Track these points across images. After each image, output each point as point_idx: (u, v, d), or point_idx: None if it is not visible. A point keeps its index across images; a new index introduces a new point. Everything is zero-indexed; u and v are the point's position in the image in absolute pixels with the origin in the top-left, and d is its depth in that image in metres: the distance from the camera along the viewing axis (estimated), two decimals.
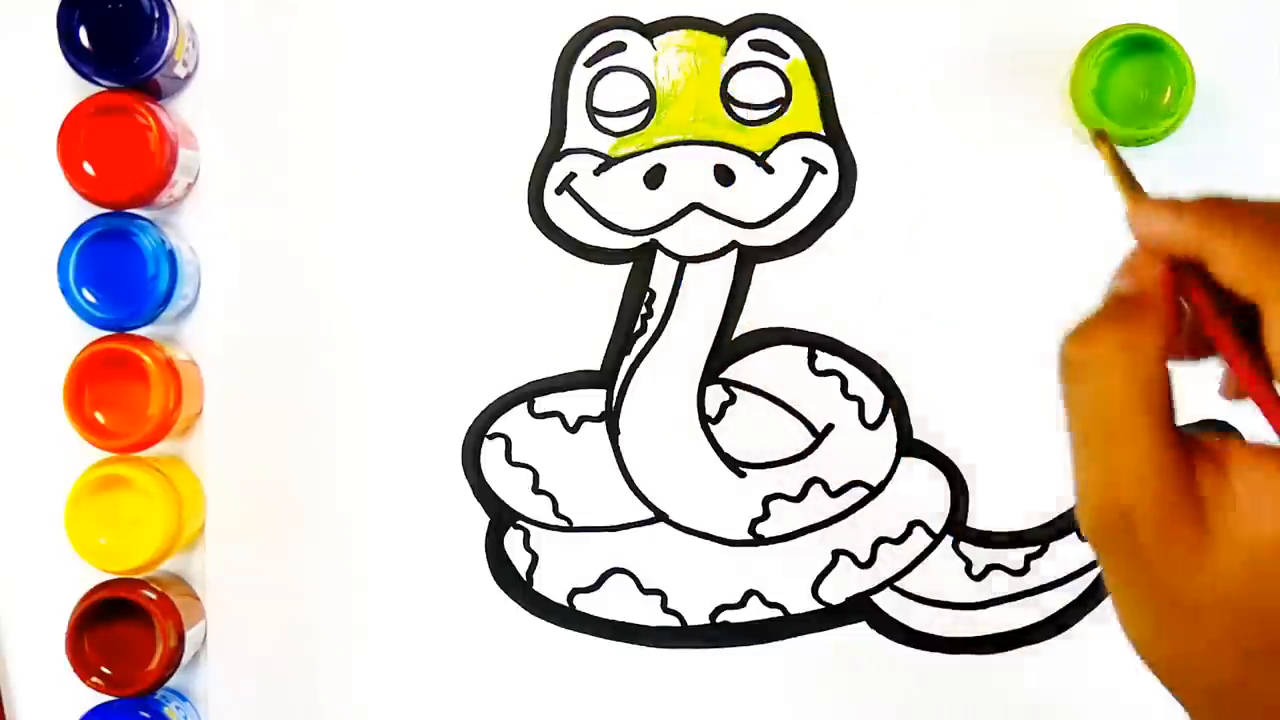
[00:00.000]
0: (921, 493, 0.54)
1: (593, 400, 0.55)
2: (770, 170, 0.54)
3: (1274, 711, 0.38)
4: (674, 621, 0.55)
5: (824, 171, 0.54)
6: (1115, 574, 0.39)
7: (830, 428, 0.54)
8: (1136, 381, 0.38)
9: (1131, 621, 0.40)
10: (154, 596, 0.52)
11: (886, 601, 0.54)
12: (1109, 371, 0.38)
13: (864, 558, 0.54)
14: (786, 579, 0.54)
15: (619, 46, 0.54)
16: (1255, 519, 0.36)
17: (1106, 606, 0.54)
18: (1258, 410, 0.37)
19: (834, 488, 0.54)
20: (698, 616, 0.55)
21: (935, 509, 0.54)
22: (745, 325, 0.54)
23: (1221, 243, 0.38)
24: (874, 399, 0.54)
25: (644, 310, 0.54)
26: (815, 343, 0.54)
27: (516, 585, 0.55)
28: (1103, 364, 0.38)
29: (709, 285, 0.54)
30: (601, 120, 0.54)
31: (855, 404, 0.54)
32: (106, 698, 0.52)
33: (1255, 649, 0.38)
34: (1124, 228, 0.53)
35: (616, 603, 0.55)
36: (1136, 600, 0.39)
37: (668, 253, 0.54)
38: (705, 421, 0.54)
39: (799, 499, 0.54)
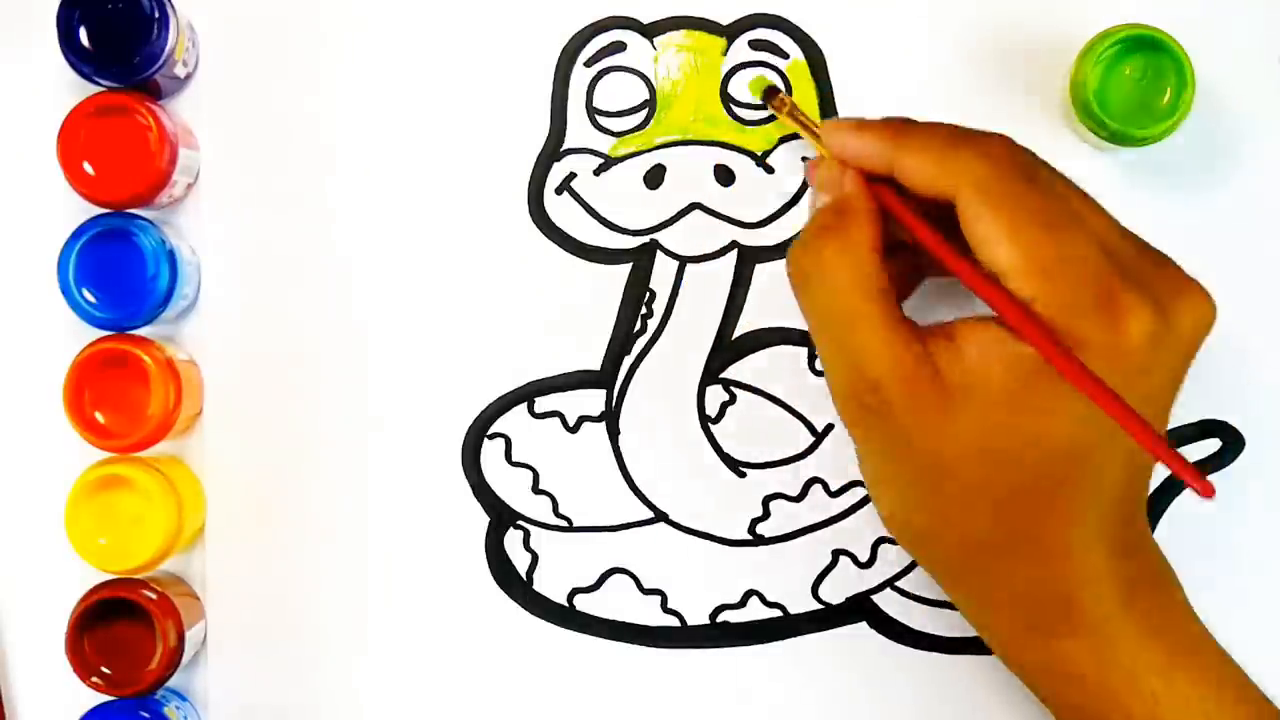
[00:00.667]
0: None
1: (593, 400, 0.55)
2: (770, 170, 0.54)
3: (1024, 550, 0.43)
4: (674, 621, 0.55)
5: None
6: (873, 450, 0.45)
7: (830, 428, 0.54)
8: (859, 274, 0.43)
9: (889, 498, 0.45)
10: (154, 596, 0.52)
11: (886, 601, 0.54)
12: (833, 271, 0.43)
13: (864, 558, 0.54)
14: (786, 579, 0.54)
15: (619, 46, 0.54)
16: (985, 371, 0.42)
17: None
18: (967, 287, 0.42)
19: (834, 488, 0.54)
20: (698, 616, 0.55)
21: None
22: (745, 325, 0.54)
23: (906, 151, 0.44)
24: None
25: (644, 310, 0.54)
26: None
27: (516, 585, 0.55)
28: (826, 266, 0.43)
29: (709, 285, 0.54)
30: (601, 120, 0.54)
31: None
32: (106, 698, 0.52)
33: (1002, 495, 0.43)
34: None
35: (616, 603, 0.55)
36: (893, 474, 0.44)
37: (668, 253, 0.54)
38: (705, 421, 0.54)
39: (799, 499, 0.54)
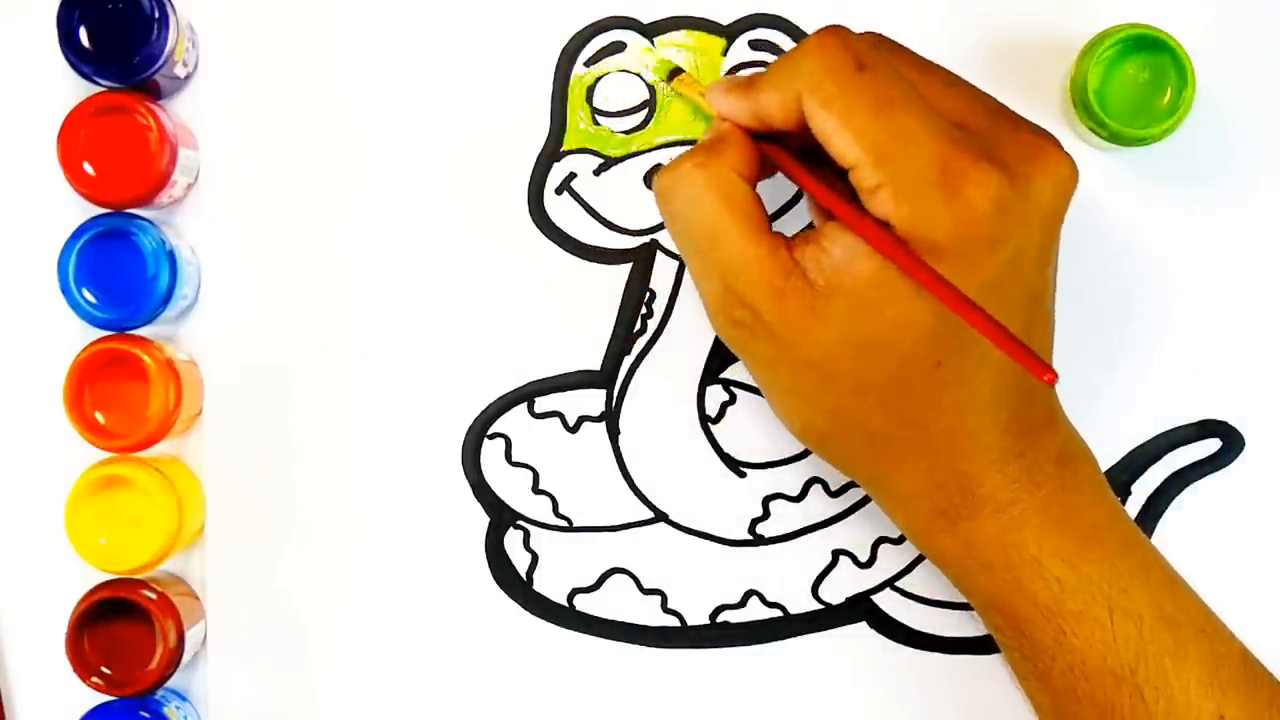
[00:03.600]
0: None
1: (593, 400, 0.55)
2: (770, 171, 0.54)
3: (917, 436, 0.45)
4: (674, 621, 0.55)
5: None
6: (758, 363, 0.46)
7: None
8: (722, 193, 0.44)
9: (787, 408, 0.46)
10: (154, 596, 0.52)
11: (886, 601, 0.54)
12: (696, 189, 0.44)
13: (864, 558, 0.54)
14: (786, 579, 0.54)
15: (619, 46, 0.54)
16: (849, 267, 0.43)
17: None
18: (831, 213, 0.44)
19: (834, 488, 0.54)
20: (698, 616, 0.55)
21: None
22: None
23: (758, 91, 0.44)
24: None
25: (644, 310, 0.54)
26: None
27: (516, 585, 0.55)
28: (685, 179, 0.45)
29: None
30: (601, 120, 0.54)
31: None
32: (106, 698, 0.52)
33: (883, 385, 0.44)
34: (1121, 229, 0.53)
35: (616, 603, 0.55)
36: (782, 382, 0.45)
37: (667, 253, 0.54)
38: (705, 421, 0.54)
39: (799, 499, 0.54)
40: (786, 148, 0.46)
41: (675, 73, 0.53)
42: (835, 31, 0.44)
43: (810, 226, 0.47)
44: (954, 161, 0.42)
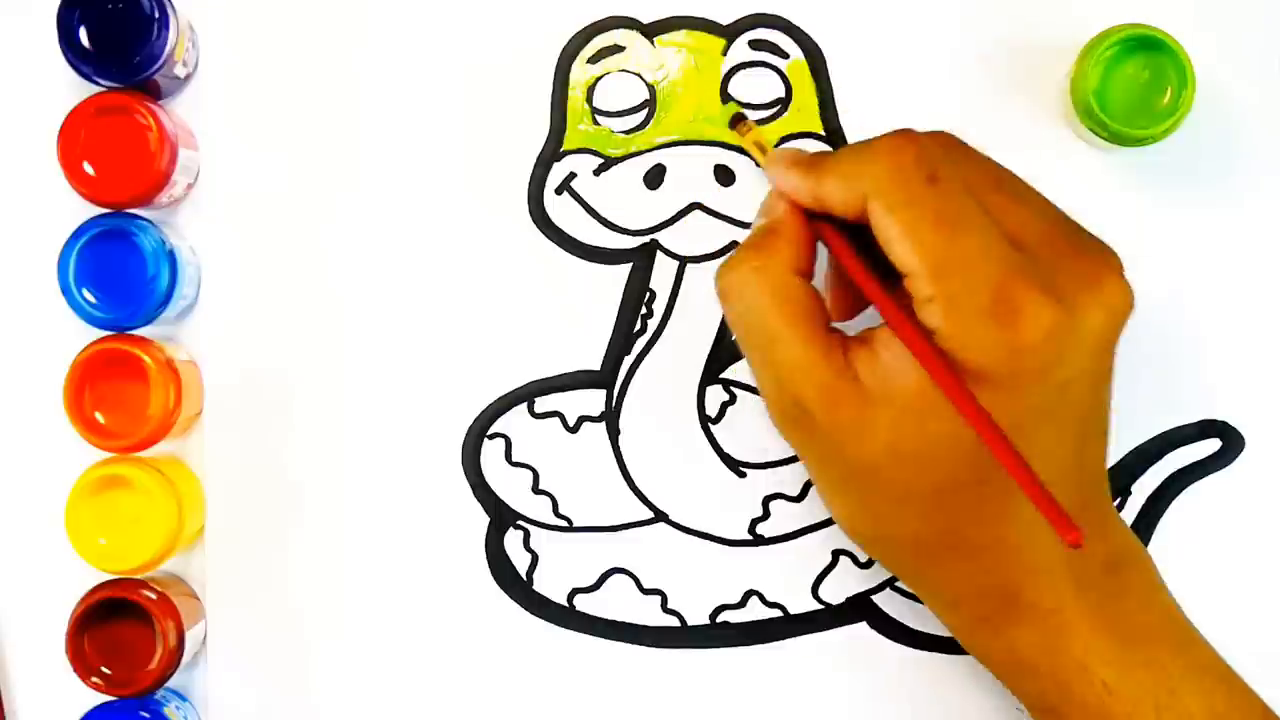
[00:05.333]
0: None
1: (593, 400, 0.55)
2: None
3: (961, 548, 0.45)
4: (674, 621, 0.55)
5: None
6: (809, 458, 0.46)
7: None
8: (777, 295, 0.45)
9: (835, 504, 0.47)
10: (154, 596, 0.52)
11: (886, 601, 0.54)
12: (752, 291, 0.45)
13: (864, 558, 0.54)
14: (786, 579, 0.54)
15: (619, 47, 0.54)
16: (898, 375, 0.43)
17: None
18: (880, 317, 0.44)
19: None
20: (698, 616, 0.55)
21: None
22: None
23: (821, 178, 0.45)
24: None
25: (644, 310, 0.54)
26: None
27: (516, 585, 0.55)
28: (746, 285, 0.45)
29: (709, 285, 0.54)
30: (601, 120, 0.54)
31: None
32: (106, 698, 0.52)
33: (927, 496, 0.44)
34: (1121, 229, 0.53)
35: (616, 603, 0.55)
36: (831, 480, 0.46)
37: (668, 253, 0.54)
38: (705, 421, 0.54)
39: (799, 499, 0.54)
40: (841, 230, 0.46)
41: (738, 118, 0.53)
42: (911, 138, 0.44)
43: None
44: (1010, 289, 0.41)
